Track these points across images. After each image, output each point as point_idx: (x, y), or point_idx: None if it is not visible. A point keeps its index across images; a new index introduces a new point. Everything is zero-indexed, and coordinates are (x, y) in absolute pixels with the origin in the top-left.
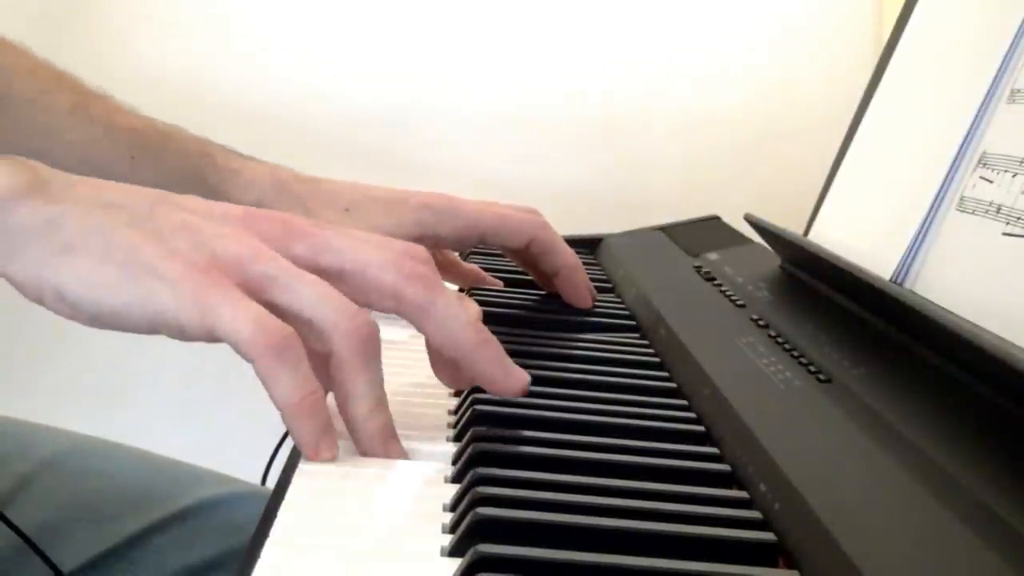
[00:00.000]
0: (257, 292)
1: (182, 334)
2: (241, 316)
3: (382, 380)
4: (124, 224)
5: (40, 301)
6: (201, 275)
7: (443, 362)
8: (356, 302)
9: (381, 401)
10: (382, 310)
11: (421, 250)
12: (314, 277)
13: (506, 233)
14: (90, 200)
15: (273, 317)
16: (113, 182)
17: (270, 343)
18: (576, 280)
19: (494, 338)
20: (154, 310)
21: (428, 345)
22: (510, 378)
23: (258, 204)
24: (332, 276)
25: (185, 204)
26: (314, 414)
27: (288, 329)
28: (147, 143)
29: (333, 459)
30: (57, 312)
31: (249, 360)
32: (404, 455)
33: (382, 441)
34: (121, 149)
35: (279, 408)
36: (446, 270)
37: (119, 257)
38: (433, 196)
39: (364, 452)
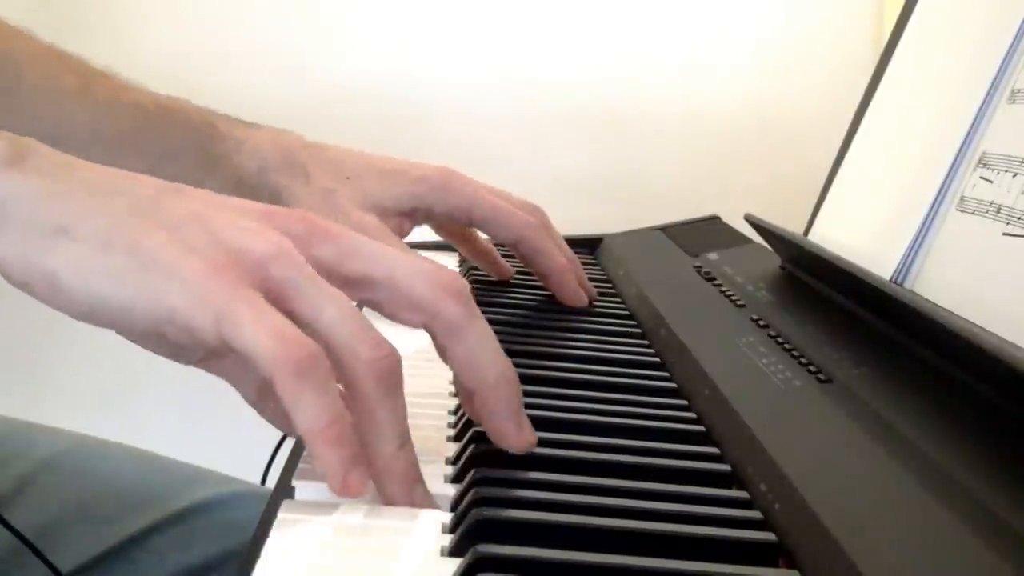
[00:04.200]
0: (277, 300)
1: (191, 339)
2: (262, 327)
3: (406, 415)
4: (129, 209)
5: (26, 287)
6: (217, 272)
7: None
8: (383, 315)
9: (406, 440)
10: (410, 324)
11: (456, 275)
12: (338, 292)
13: (495, 225)
14: (91, 183)
15: (297, 330)
16: (118, 169)
17: (294, 360)
18: (565, 283)
19: (517, 380)
20: (162, 309)
21: (453, 370)
22: (521, 432)
23: (261, 172)
24: (360, 284)
25: (197, 195)
26: (342, 443)
27: (314, 345)
28: (151, 117)
29: (360, 495)
30: (46, 301)
31: (269, 377)
32: (430, 502)
33: (407, 485)
34: (126, 125)
35: (302, 434)
36: (465, 241)
37: (122, 245)
38: (435, 170)
39: (388, 497)
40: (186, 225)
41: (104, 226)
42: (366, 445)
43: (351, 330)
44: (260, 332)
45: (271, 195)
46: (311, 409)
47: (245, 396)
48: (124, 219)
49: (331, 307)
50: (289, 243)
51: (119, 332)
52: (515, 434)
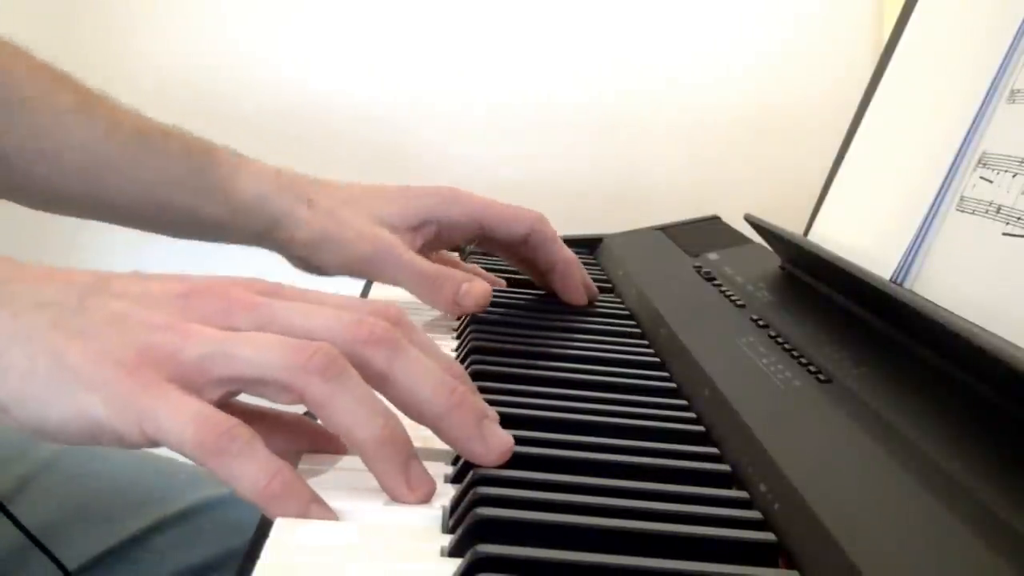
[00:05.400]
0: (197, 378)
1: (123, 443)
2: (177, 418)
3: (369, 395)
4: (50, 326)
5: None
6: (131, 377)
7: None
8: None
9: (384, 416)
10: None
11: (390, 309)
12: (252, 334)
13: (507, 223)
14: (21, 301)
15: (212, 410)
16: (54, 268)
17: (213, 441)
18: (572, 275)
19: (469, 397)
20: (88, 423)
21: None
22: (486, 447)
23: (261, 197)
24: None
25: (120, 289)
26: (287, 493)
27: (230, 420)
28: (149, 142)
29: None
30: (10, 425)
31: (199, 463)
32: (428, 482)
33: (402, 466)
34: (124, 149)
35: (251, 500)
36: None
37: (44, 365)
38: (435, 187)
39: (379, 477)
40: (103, 330)
41: (29, 351)
42: (350, 440)
43: (273, 356)
44: (177, 424)
45: (270, 221)
46: (246, 477)
47: None
48: (47, 336)
49: (244, 351)
50: (193, 326)
51: (70, 444)
52: (482, 452)
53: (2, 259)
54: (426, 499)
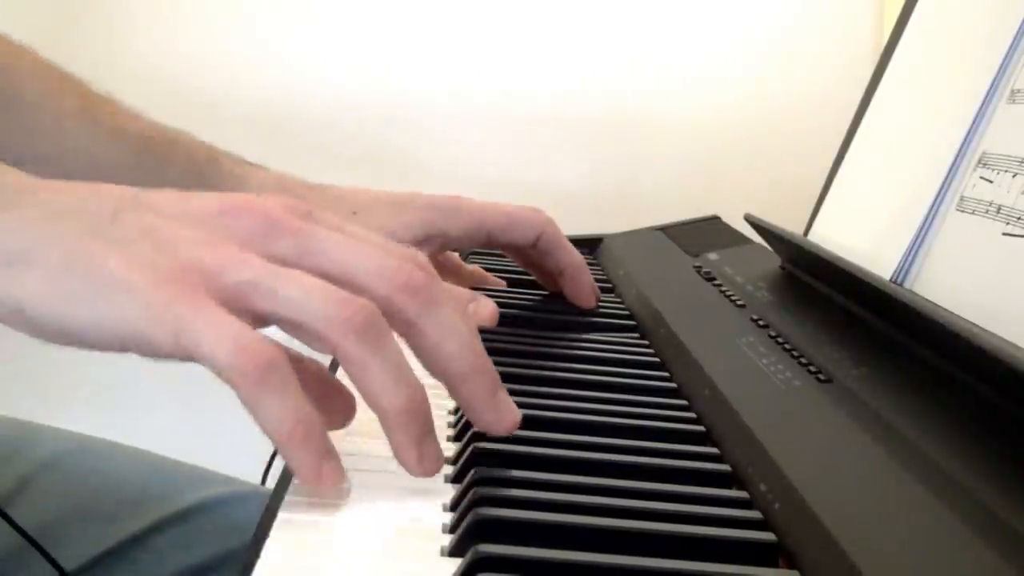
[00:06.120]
0: (235, 303)
1: (153, 352)
2: (218, 337)
3: (402, 363)
4: (84, 231)
5: None
6: (172, 286)
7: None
8: None
9: (412, 387)
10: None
11: (423, 258)
12: (297, 273)
13: (514, 230)
14: (48, 206)
15: (255, 335)
16: (80, 182)
17: (252, 367)
18: (581, 279)
19: (489, 366)
20: (122, 327)
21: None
22: (499, 416)
23: None
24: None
25: (155, 204)
26: (309, 441)
27: (273, 349)
28: (152, 148)
29: (337, 484)
30: (16, 328)
31: (231, 386)
32: (438, 456)
33: (418, 439)
34: (126, 154)
35: (269, 437)
36: (449, 273)
37: (79, 268)
38: (439, 197)
39: (396, 447)
40: (140, 241)
41: (61, 251)
42: (372, 405)
43: (314, 302)
44: (217, 342)
45: None
46: (274, 413)
47: None
48: (80, 242)
49: (289, 290)
50: (235, 249)
51: (90, 349)
52: (492, 418)
53: (19, 172)
54: (431, 475)
